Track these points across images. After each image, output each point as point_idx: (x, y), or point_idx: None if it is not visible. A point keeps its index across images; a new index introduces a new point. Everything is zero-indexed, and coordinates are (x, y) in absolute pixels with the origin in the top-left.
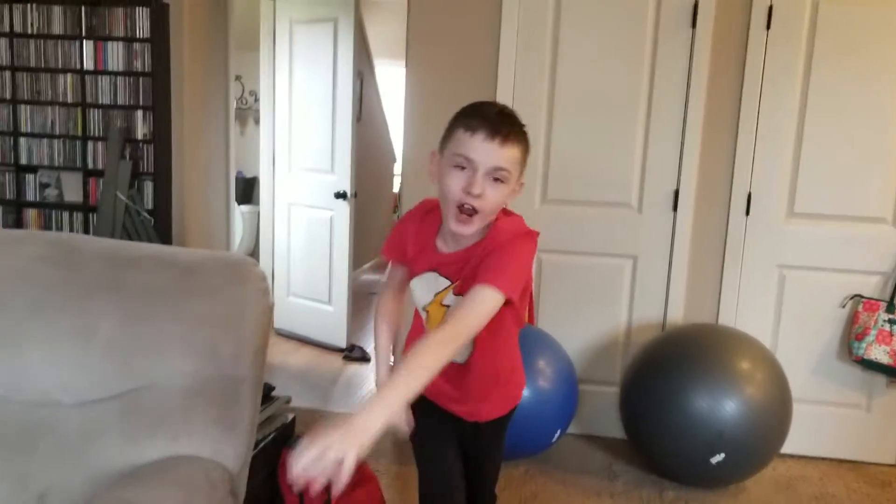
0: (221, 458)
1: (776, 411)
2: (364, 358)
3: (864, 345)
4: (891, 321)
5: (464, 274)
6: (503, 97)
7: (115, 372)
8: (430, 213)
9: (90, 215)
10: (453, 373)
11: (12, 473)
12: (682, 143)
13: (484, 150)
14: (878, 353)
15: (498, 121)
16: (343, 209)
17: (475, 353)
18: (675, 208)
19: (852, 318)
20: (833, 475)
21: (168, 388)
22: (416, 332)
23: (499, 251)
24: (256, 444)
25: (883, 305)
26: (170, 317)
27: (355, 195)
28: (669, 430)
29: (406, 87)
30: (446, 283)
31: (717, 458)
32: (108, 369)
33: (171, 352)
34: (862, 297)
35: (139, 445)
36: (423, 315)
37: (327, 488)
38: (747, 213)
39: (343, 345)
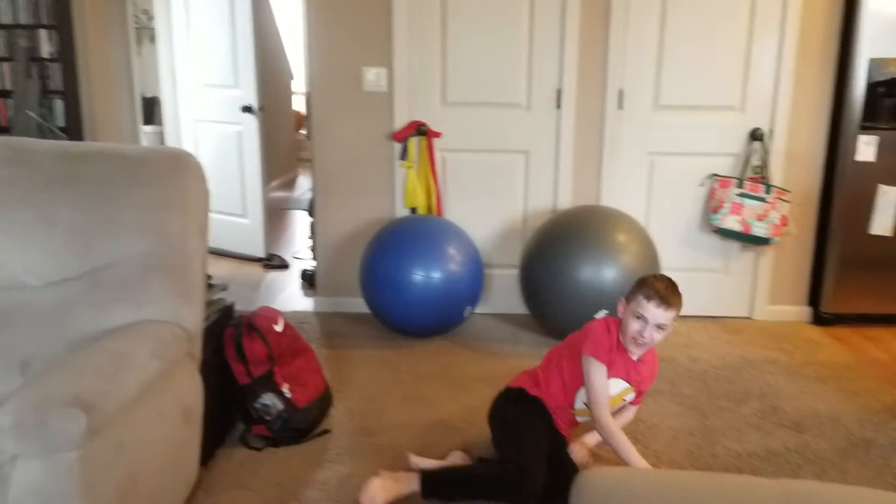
0: (181, 321)
1: (647, 274)
2: (283, 265)
3: (719, 216)
4: (741, 195)
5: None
6: (399, 9)
7: (77, 255)
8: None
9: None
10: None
11: None
12: (562, 45)
13: (654, 314)
14: (732, 223)
15: (665, 294)
16: (251, 123)
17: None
18: (558, 106)
19: (710, 195)
20: (698, 328)
21: (127, 265)
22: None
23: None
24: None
25: (735, 182)
26: (122, 203)
27: (261, 109)
28: (562, 297)
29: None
30: (626, 385)
31: (602, 314)
32: (70, 253)
33: (126, 234)
34: (717, 175)
35: (110, 313)
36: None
37: (270, 356)
38: (620, 107)
39: (262, 254)
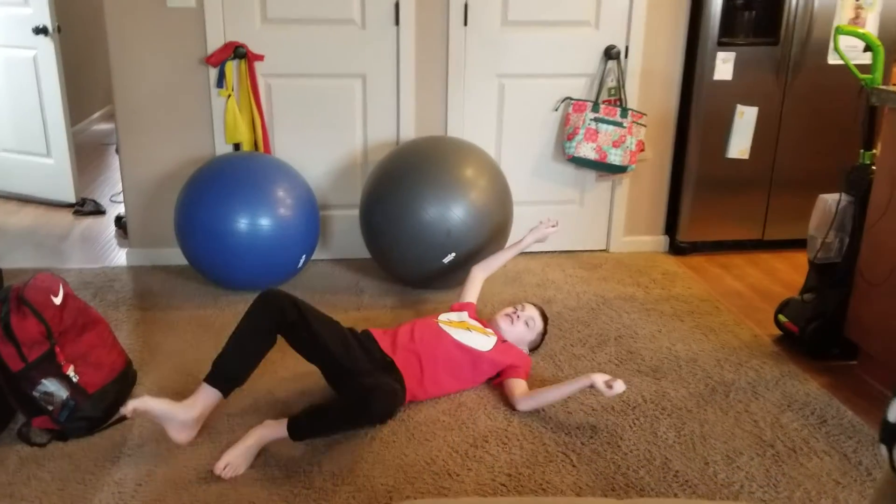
0: None
1: (498, 212)
2: (97, 211)
3: (574, 144)
4: (596, 119)
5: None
6: None
7: None
8: None
9: None
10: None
11: None
12: None
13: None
14: (587, 150)
15: None
16: (47, 47)
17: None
18: (396, 22)
19: (564, 120)
20: (553, 265)
21: None
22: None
23: None
24: None
25: (589, 105)
26: None
27: (59, 30)
28: (405, 239)
29: None
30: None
31: (449, 258)
32: None
33: None
34: (572, 99)
35: None
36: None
37: (48, 334)
38: (465, 23)
39: (72, 200)
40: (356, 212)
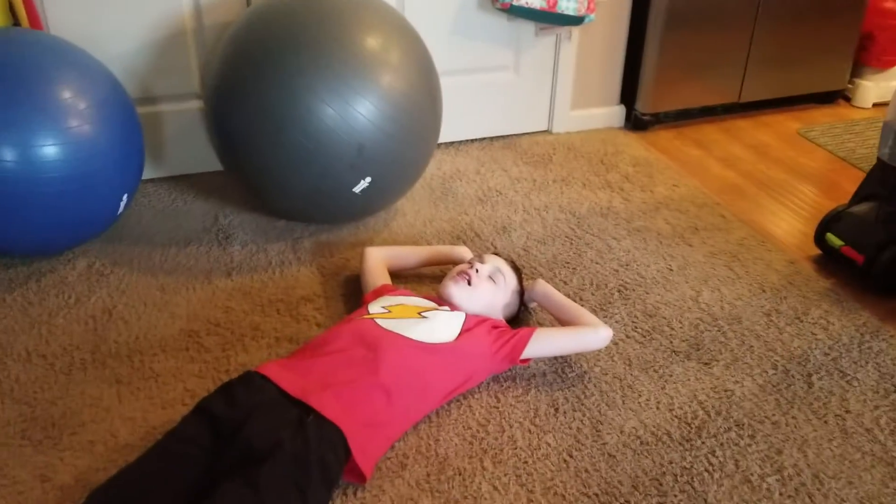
0: None
1: (426, 102)
2: None
3: None
4: None
5: None
6: None
7: None
8: None
9: None
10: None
11: None
12: None
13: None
14: None
15: None
16: None
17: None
18: None
19: None
20: (489, 161)
21: None
22: None
23: None
24: None
25: None
26: None
27: None
28: (285, 162)
29: None
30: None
31: (363, 185)
32: None
33: None
34: None
35: None
36: None
37: None
38: None
39: None
40: (195, 103)
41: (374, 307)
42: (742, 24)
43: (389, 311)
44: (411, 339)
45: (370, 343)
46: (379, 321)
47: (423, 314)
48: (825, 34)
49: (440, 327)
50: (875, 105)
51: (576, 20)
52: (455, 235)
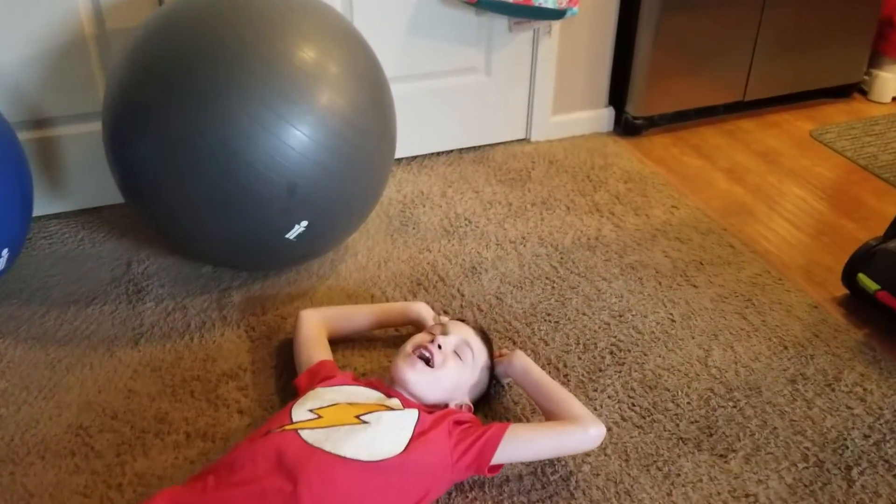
0: None
1: (371, 120)
2: None
3: None
4: None
5: None
6: None
7: None
8: None
9: None
10: None
11: None
12: None
13: None
14: None
15: None
16: None
17: None
18: None
19: None
20: (458, 180)
21: None
22: None
23: None
24: None
25: None
26: None
27: None
28: (203, 201)
29: None
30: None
31: (298, 230)
32: None
33: None
34: None
35: None
36: None
37: None
38: None
39: None
40: (95, 125)
41: (300, 412)
42: (748, 8)
43: (319, 417)
44: (345, 459)
45: (290, 468)
46: (304, 433)
47: (362, 418)
48: (840, 20)
49: (385, 436)
50: (895, 99)
51: (556, 14)
52: (415, 280)
